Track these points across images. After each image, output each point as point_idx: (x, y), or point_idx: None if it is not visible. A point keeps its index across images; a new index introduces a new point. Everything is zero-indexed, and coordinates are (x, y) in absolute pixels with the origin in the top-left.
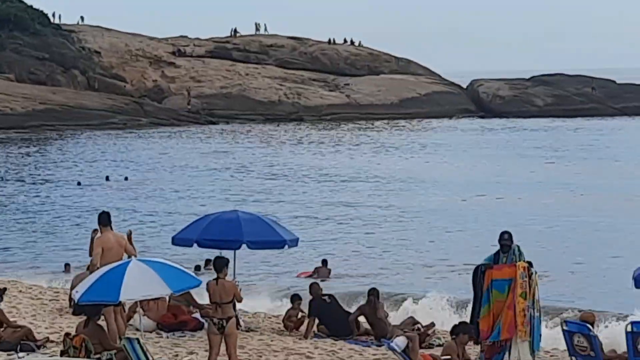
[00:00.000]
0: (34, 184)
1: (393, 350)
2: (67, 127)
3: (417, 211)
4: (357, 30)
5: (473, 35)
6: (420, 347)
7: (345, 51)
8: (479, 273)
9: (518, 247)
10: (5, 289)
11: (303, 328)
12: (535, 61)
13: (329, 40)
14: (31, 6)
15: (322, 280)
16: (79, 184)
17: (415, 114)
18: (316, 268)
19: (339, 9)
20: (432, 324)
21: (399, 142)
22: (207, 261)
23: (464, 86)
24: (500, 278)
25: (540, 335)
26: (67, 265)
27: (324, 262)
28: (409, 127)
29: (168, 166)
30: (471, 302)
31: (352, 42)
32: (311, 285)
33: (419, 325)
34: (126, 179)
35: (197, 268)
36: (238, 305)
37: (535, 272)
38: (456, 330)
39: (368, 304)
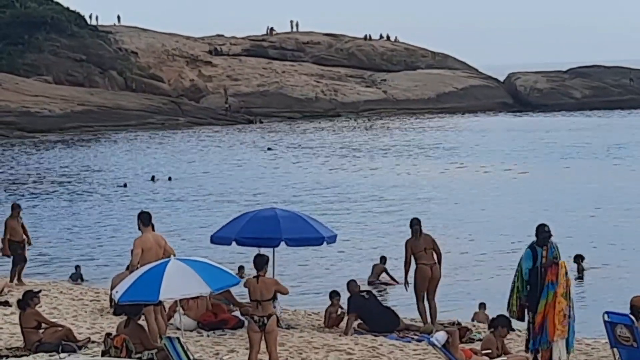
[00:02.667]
0: (75, 185)
1: (433, 345)
2: (105, 128)
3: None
4: (393, 25)
5: (510, 28)
6: (461, 342)
7: (382, 47)
8: (539, 272)
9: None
10: (40, 291)
11: (343, 324)
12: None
13: (365, 36)
14: (68, 8)
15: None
16: (124, 185)
17: (452, 108)
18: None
19: (375, 5)
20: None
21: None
22: (240, 268)
23: (501, 79)
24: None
25: (575, 333)
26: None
27: (382, 259)
28: (452, 125)
29: (208, 165)
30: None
31: (388, 38)
32: (349, 283)
33: (458, 320)
34: (170, 179)
35: (241, 268)
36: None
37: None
38: (494, 323)
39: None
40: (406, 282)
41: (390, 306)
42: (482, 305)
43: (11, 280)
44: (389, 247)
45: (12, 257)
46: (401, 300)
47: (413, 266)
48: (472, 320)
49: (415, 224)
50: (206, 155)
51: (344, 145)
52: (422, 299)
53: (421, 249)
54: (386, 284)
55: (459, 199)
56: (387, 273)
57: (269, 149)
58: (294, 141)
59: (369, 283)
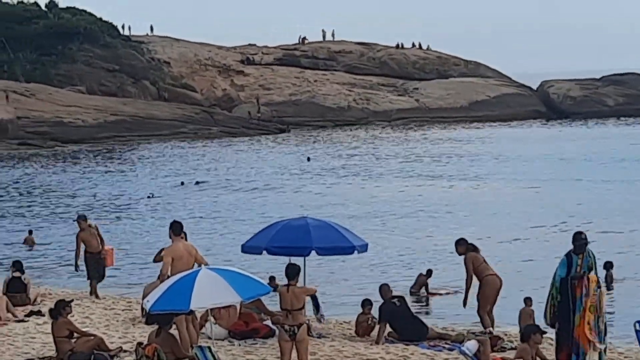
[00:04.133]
0: (108, 194)
1: (464, 354)
2: (138, 138)
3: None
4: (425, 34)
5: (543, 37)
6: (492, 351)
7: (414, 55)
8: (569, 283)
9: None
10: (72, 300)
11: (374, 333)
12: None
13: (397, 44)
14: (101, 18)
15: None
16: (152, 195)
17: (485, 116)
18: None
19: (407, 14)
20: None
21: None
22: (271, 279)
23: (534, 87)
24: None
25: (606, 345)
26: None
27: (429, 272)
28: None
29: (240, 173)
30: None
31: (420, 46)
32: (381, 287)
33: (490, 329)
34: (197, 183)
35: (272, 279)
36: (309, 313)
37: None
38: (526, 332)
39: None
40: (466, 300)
41: (430, 314)
42: (528, 300)
43: (91, 294)
44: (420, 259)
45: (86, 271)
46: (442, 310)
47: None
48: (519, 318)
49: (461, 243)
50: (239, 164)
51: (377, 155)
52: (490, 310)
53: (481, 260)
54: (432, 294)
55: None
56: (427, 287)
57: (309, 159)
58: (330, 150)
59: (411, 293)
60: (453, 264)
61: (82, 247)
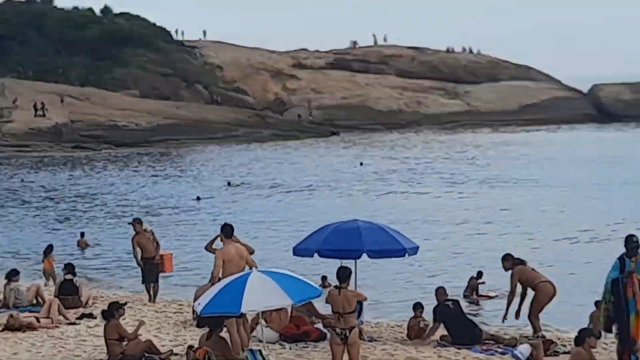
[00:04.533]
0: (159, 197)
1: (517, 358)
2: (191, 141)
3: None
4: (475, 37)
5: (594, 40)
6: (545, 355)
7: (465, 59)
8: (619, 284)
9: None
10: (125, 303)
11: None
12: None
13: (448, 48)
14: (155, 24)
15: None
16: (197, 198)
17: (535, 120)
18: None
19: (457, 18)
20: None
21: None
22: (323, 278)
23: (585, 91)
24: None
25: None
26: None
27: (479, 274)
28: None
29: (291, 176)
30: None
31: (471, 50)
32: (437, 290)
33: (542, 333)
34: (236, 185)
35: (324, 278)
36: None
37: None
38: (581, 336)
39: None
40: (506, 315)
41: (481, 316)
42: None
43: (149, 300)
44: (471, 263)
45: (142, 275)
46: (495, 313)
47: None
48: (590, 321)
49: (507, 259)
50: (290, 167)
51: (428, 161)
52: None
53: (529, 271)
54: (484, 296)
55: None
56: (477, 290)
57: (361, 163)
58: (382, 154)
59: (464, 296)
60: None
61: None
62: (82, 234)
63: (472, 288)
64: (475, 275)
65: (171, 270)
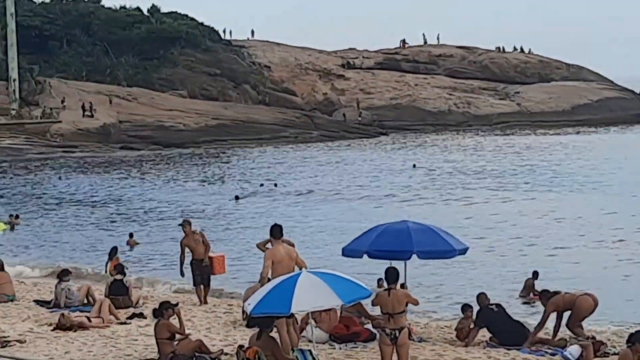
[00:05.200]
0: (204, 198)
1: (567, 359)
2: (239, 142)
3: None
4: (526, 37)
5: None
6: (595, 356)
7: (515, 59)
8: None
9: None
10: (177, 304)
11: (476, 338)
12: None
13: (498, 48)
14: (202, 23)
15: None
16: (236, 198)
17: (587, 120)
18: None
19: (508, 17)
20: None
21: None
22: (380, 280)
23: (637, 91)
24: None
25: None
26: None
27: (535, 274)
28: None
29: (342, 177)
30: None
31: (522, 50)
32: (478, 295)
33: (592, 334)
34: (275, 185)
35: (381, 280)
36: (410, 316)
37: None
38: (632, 338)
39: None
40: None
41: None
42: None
43: (200, 303)
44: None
45: (192, 277)
46: None
47: None
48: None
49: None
50: (340, 168)
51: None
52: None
53: (562, 295)
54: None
55: None
56: (533, 290)
57: (414, 165)
58: (434, 156)
59: (520, 296)
60: (559, 265)
61: (188, 252)
62: (131, 234)
63: (529, 289)
64: (531, 276)
65: (223, 272)
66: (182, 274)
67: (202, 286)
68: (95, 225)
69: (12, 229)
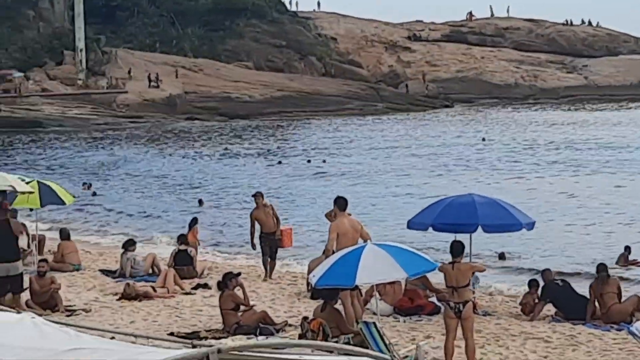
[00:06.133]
0: (269, 170)
1: (633, 335)
2: (304, 114)
3: None
4: (594, 10)
5: None
6: None
7: (583, 32)
8: None
9: None
10: (239, 273)
11: (541, 313)
12: None
13: (566, 21)
14: None
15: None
16: (279, 163)
17: None
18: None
19: None
20: None
21: None
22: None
23: None
24: None
25: None
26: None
27: (627, 248)
28: None
29: (407, 150)
30: None
31: (589, 23)
32: (543, 271)
33: None
34: (324, 161)
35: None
36: (477, 292)
37: None
38: None
39: (596, 281)
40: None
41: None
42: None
43: (265, 275)
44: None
45: (261, 250)
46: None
47: None
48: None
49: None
50: (410, 141)
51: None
52: None
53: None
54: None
55: None
56: (628, 259)
57: (484, 139)
58: (503, 130)
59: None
60: None
61: (257, 225)
62: (200, 201)
63: (625, 259)
64: (624, 251)
65: (290, 246)
66: (254, 247)
67: (268, 259)
68: (161, 194)
69: (93, 194)
